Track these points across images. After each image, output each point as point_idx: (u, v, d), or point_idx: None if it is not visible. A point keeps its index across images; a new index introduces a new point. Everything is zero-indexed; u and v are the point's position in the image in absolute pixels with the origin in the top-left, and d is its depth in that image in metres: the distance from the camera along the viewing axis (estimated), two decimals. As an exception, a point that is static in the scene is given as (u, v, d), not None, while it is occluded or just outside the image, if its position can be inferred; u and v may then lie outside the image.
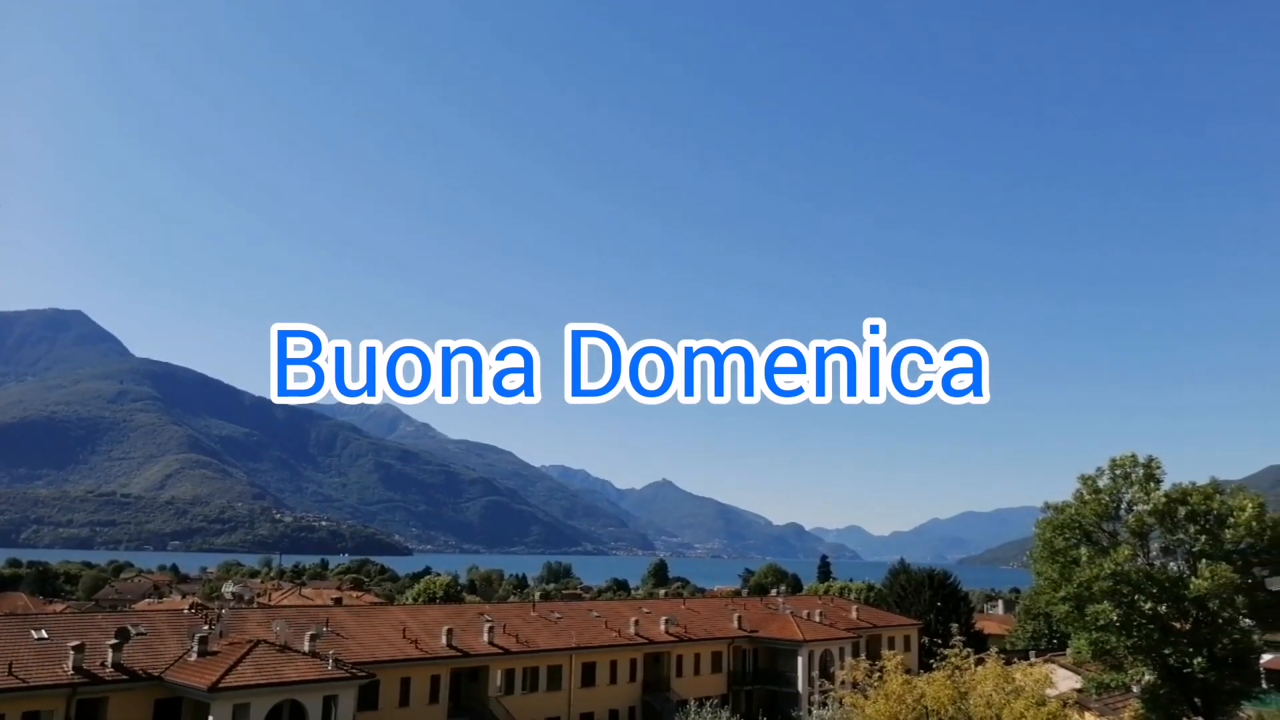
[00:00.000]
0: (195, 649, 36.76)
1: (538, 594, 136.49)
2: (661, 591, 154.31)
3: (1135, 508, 38.20)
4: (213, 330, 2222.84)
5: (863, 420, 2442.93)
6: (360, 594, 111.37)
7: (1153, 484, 38.01)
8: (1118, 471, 38.71)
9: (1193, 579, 35.40)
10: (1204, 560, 35.74)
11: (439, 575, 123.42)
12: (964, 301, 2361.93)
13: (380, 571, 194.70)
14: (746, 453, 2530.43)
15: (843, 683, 26.31)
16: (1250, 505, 36.18)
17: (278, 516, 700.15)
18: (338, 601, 78.15)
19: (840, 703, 25.38)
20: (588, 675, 53.08)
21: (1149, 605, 35.98)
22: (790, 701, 59.33)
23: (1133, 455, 38.91)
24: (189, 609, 48.49)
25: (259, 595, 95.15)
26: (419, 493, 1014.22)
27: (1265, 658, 49.56)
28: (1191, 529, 36.57)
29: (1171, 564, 38.04)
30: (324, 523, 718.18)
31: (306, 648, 38.37)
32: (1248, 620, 36.13)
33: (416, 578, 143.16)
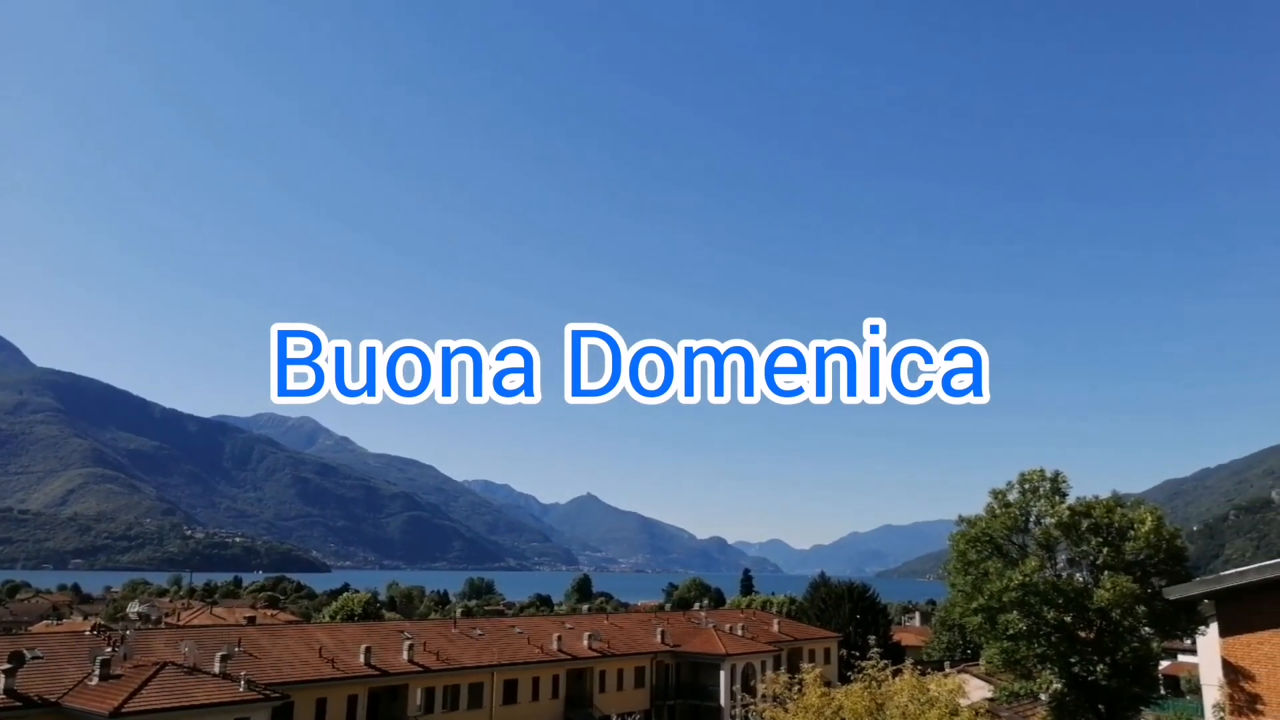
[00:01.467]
0: (96, 672, 35.19)
1: (459, 611, 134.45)
2: (585, 607, 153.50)
3: (1043, 521, 39.54)
4: (122, 339, 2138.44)
5: (783, 435, 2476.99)
6: (275, 612, 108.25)
7: (1059, 498, 39.42)
8: (1026, 486, 40.02)
9: (1096, 590, 36.76)
10: (1106, 571, 37.20)
11: (358, 592, 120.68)
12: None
13: (297, 589, 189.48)
14: (670, 466, 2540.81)
15: (763, 696, 26.60)
16: (1149, 518, 37.81)
17: (188, 533, 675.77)
18: (251, 620, 75.83)
19: (761, 716, 25.68)
20: (510, 692, 52.55)
21: (1055, 615, 37.25)
22: (712, 716, 59.67)
23: (1041, 470, 40.28)
24: (90, 630, 46.53)
25: (167, 615, 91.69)
26: (338, 508, 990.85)
27: (1163, 664, 51.78)
28: (1094, 541, 37.99)
29: (1077, 575, 39.45)
30: (238, 539, 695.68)
31: (217, 669, 37.15)
32: (1147, 629, 37.64)
33: (334, 595, 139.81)
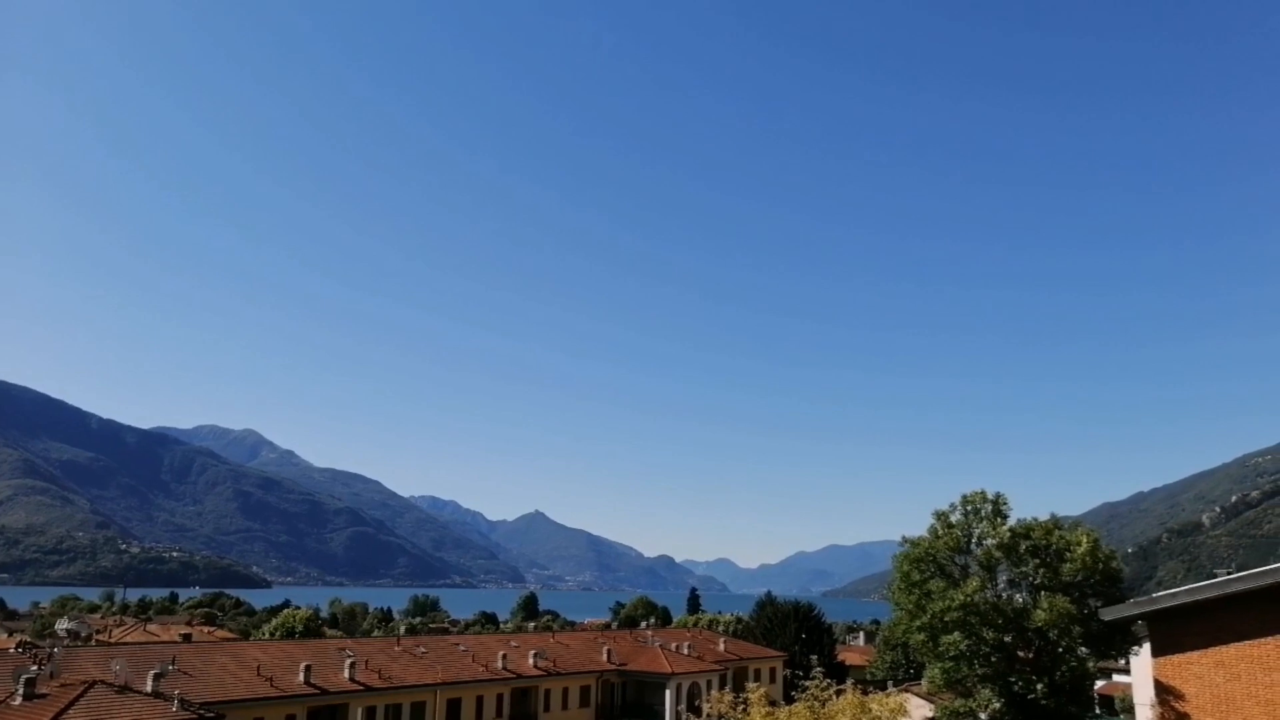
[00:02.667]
0: (20, 692, 33.88)
1: (403, 628, 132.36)
2: (531, 625, 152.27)
3: (984, 542, 40.32)
4: (56, 347, 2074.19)
5: (731, 454, 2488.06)
6: (212, 629, 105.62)
7: (1000, 519, 40.27)
8: (969, 507, 40.81)
9: (1035, 610, 37.53)
10: (1044, 592, 38.04)
11: (299, 609, 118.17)
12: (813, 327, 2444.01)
13: (235, 605, 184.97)
14: (619, 485, 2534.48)
15: (708, 715, 26.66)
16: (1085, 540, 38.78)
17: (123, 547, 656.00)
18: (187, 638, 73.95)
19: (705, 735, 25.71)
20: (453, 711, 51.82)
21: (995, 636, 37.93)
22: (657, 735, 59.44)
23: (982, 492, 41.12)
24: (15, 648, 44.96)
25: (98, 632, 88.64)
26: (280, 522, 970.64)
27: (1098, 684, 52.88)
28: (1033, 562, 38.84)
29: (1017, 595, 40.26)
30: (175, 553, 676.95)
31: (149, 688, 36.07)
32: (1083, 649, 38.50)
33: (274, 611, 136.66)
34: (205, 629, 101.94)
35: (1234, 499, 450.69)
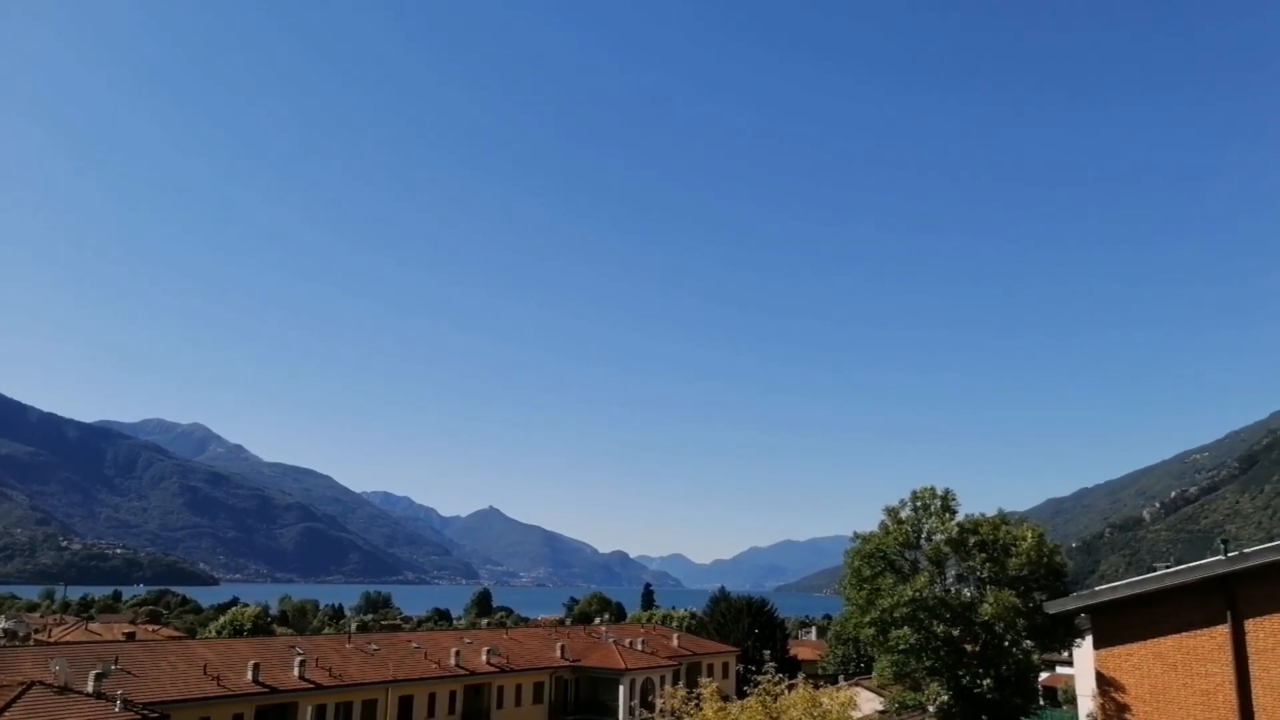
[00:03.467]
0: (-44, 693, 33.06)
1: (354, 625, 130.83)
2: (484, 621, 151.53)
3: (933, 537, 40.94)
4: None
5: (684, 450, 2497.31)
6: (157, 627, 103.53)
7: (948, 515, 40.90)
8: (918, 503, 41.39)
9: (981, 604, 38.25)
10: (991, 586, 38.77)
11: (247, 606, 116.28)
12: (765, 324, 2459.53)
13: (181, 603, 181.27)
14: (573, 481, 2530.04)
15: (661, 711, 26.76)
16: (1031, 535, 39.58)
17: (64, 544, 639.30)
18: (130, 636, 72.42)
19: (658, 730, 25.83)
20: (405, 709, 51.44)
21: (944, 629, 38.58)
22: (611, 730, 59.56)
23: (932, 488, 41.74)
24: (-49, 648, 43.65)
25: (37, 631, 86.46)
26: (228, 518, 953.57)
27: (1042, 676, 54.01)
28: (980, 557, 39.53)
29: (965, 590, 40.96)
30: (119, 550, 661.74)
31: (90, 688, 35.30)
32: (1028, 642, 39.30)
33: (222, 609, 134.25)
34: (150, 627, 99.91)
35: (1173, 494, 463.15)
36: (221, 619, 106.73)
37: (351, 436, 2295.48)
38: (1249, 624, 20.97)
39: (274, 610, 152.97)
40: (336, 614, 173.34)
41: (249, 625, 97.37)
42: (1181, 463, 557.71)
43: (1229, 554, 23.43)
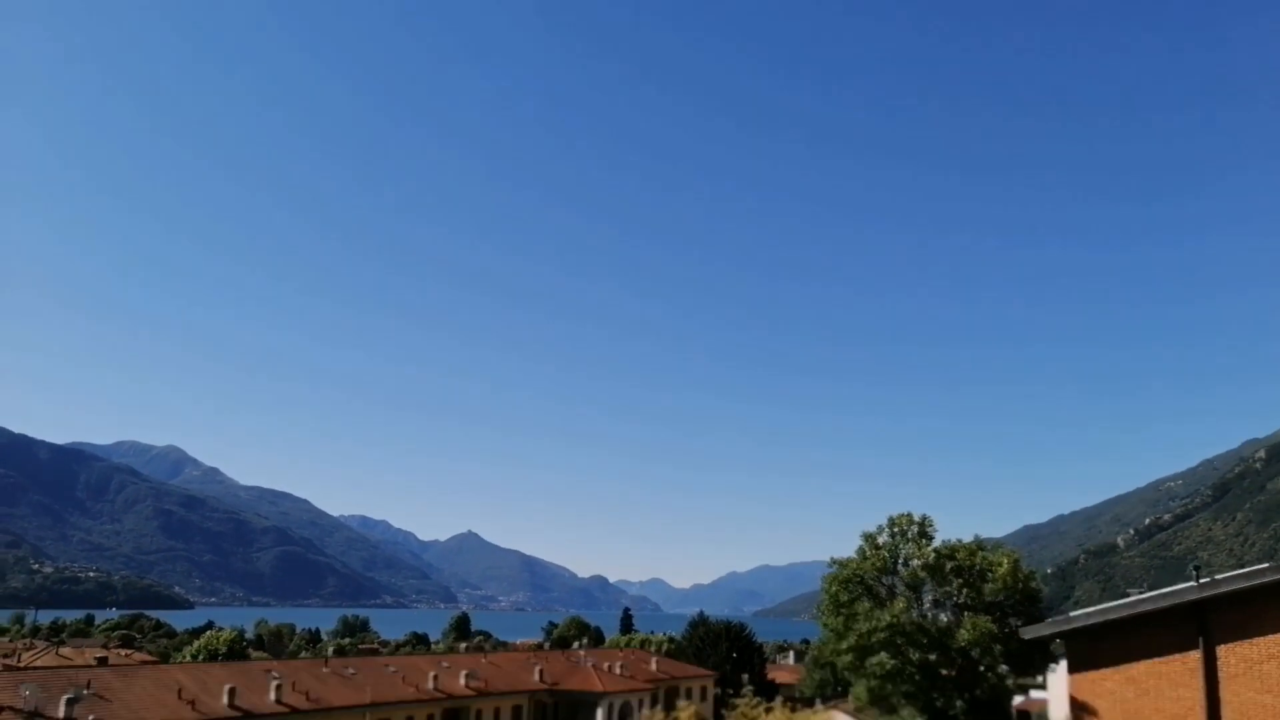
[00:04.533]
0: (-75, 718, 32.72)
1: (331, 649, 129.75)
2: (463, 645, 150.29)
3: (910, 563, 41.34)
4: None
5: (664, 474, 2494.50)
6: (130, 652, 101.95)
7: (925, 541, 41.35)
8: (895, 529, 41.82)
9: (958, 630, 38.61)
10: (967, 612, 39.17)
11: (223, 630, 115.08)
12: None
13: (155, 627, 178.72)
14: (553, 504, 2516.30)
15: (639, 734, 26.90)
16: (1006, 561, 40.07)
17: (35, 567, 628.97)
18: (103, 661, 71.19)
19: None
20: (381, 734, 51.11)
21: (920, 655, 38.87)
22: (589, 755, 59.30)
23: (909, 514, 42.21)
24: (-80, 672, 43.08)
25: (6, 656, 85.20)
26: (204, 541, 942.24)
27: (1016, 700, 54.31)
28: (957, 583, 39.96)
29: (941, 615, 41.32)
30: (92, 574, 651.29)
31: (61, 714, 35.02)
32: (1004, 667, 39.67)
33: (197, 633, 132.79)
34: (123, 652, 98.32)
35: (1147, 521, 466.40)
36: (196, 643, 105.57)
37: (329, 459, 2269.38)
38: (1220, 650, 21.36)
39: (250, 634, 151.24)
40: (313, 638, 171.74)
41: (224, 649, 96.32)
42: (1156, 490, 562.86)
43: (1201, 581, 23.96)
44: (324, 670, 54.19)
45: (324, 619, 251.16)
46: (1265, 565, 23.92)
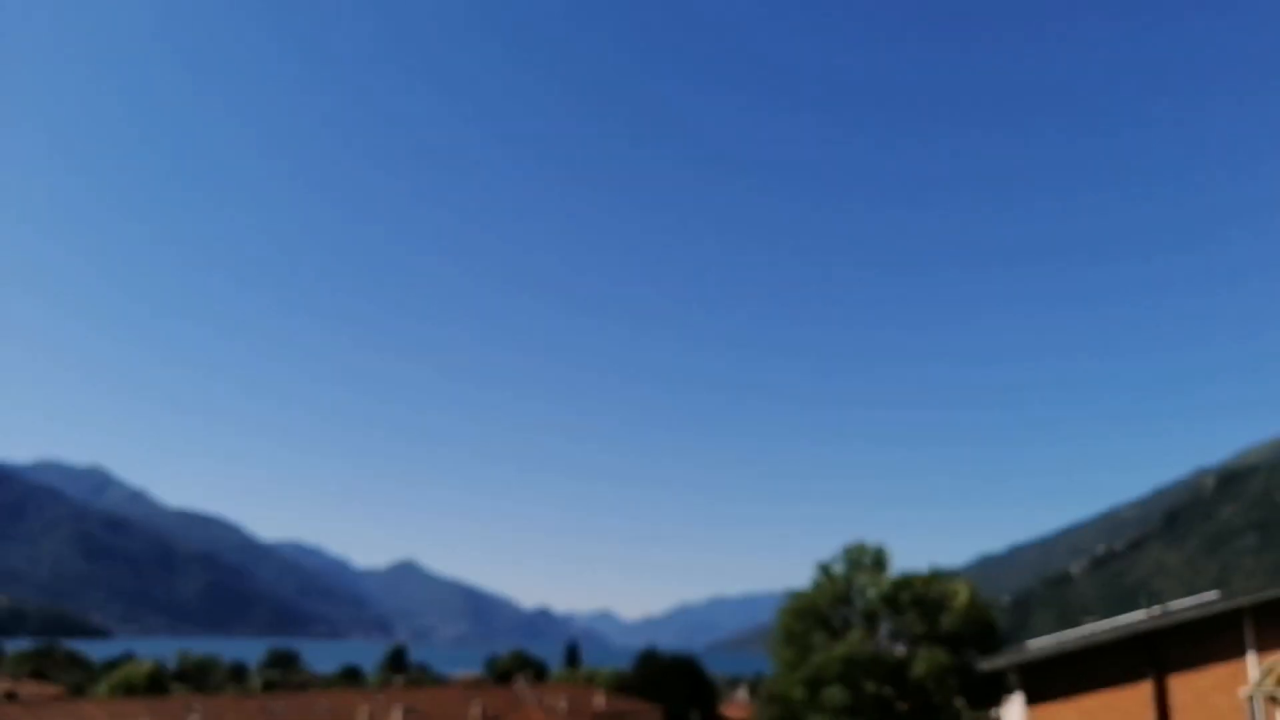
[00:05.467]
0: None
1: (259, 682, 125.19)
2: (399, 679, 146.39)
3: (866, 594, 40.76)
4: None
5: (614, 503, 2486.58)
6: (41, 685, 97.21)
7: (881, 571, 40.82)
8: (851, 559, 41.28)
9: (914, 662, 37.97)
10: (923, 644, 38.56)
11: (142, 662, 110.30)
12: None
13: (70, 657, 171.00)
14: (497, 533, 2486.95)
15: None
16: (963, 592, 39.67)
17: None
18: (11, 696, 67.51)
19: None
20: (310, 773, 48.58)
21: (875, 688, 38.11)
22: (529, 794, 57.24)
23: (864, 544, 41.66)
24: None
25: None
26: (126, 567, 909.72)
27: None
28: (913, 614, 39.41)
29: (897, 647, 40.70)
30: (2, 600, 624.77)
31: (-39, 753, 32.26)
32: (960, 700, 39.11)
33: (114, 665, 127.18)
34: (33, 684, 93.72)
35: (1101, 550, 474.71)
36: (113, 675, 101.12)
37: (263, 482, 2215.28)
38: (1170, 680, 21.14)
39: (172, 666, 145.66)
40: (240, 671, 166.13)
41: (144, 682, 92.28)
42: (1109, 519, 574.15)
43: (1152, 611, 23.70)
44: (250, 705, 51.58)
45: (252, 650, 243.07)
46: (1214, 595, 23.78)
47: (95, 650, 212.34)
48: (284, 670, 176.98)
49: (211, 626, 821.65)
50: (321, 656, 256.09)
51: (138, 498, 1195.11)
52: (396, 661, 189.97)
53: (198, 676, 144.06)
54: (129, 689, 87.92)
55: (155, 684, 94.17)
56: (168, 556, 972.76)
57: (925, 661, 37.25)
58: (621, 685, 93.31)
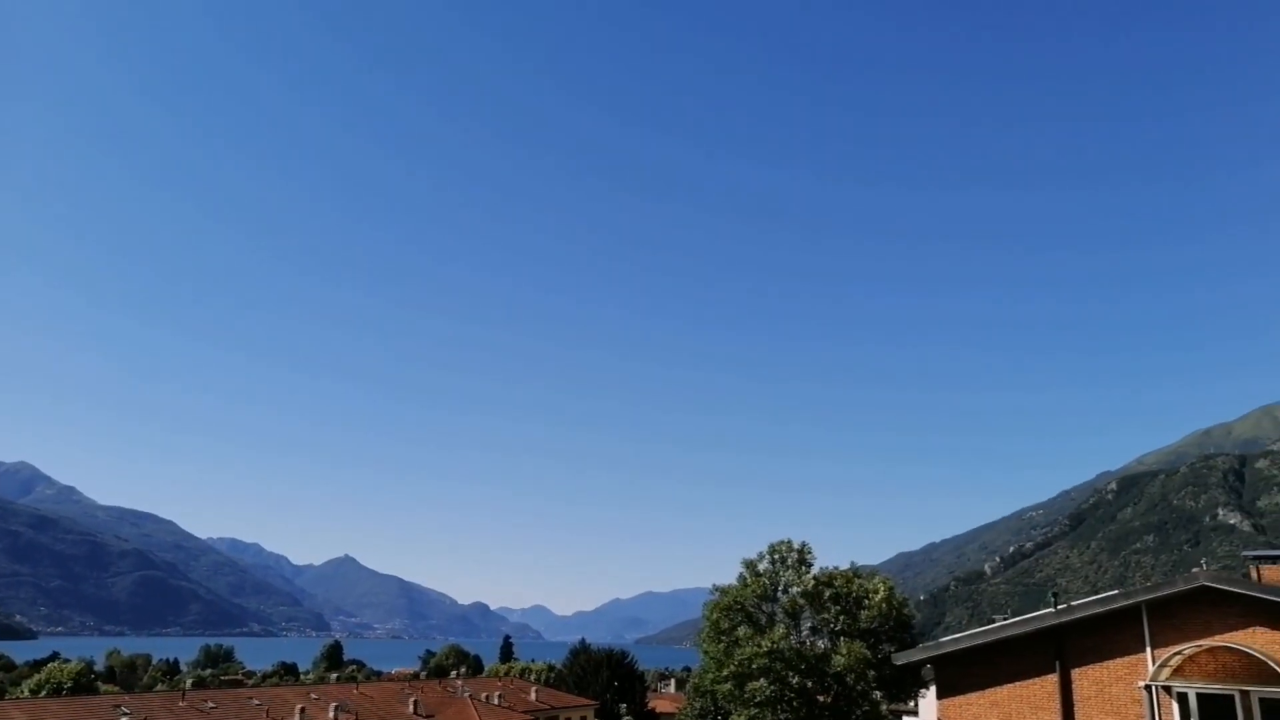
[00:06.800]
0: None
1: (190, 681, 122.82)
2: (334, 675, 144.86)
3: (790, 590, 41.91)
4: None
5: (547, 500, 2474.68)
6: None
7: (804, 568, 42.02)
8: (776, 556, 42.37)
9: (834, 656, 39.25)
10: (844, 638, 39.89)
11: (68, 662, 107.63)
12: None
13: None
14: (434, 529, 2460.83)
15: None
16: (882, 588, 41.07)
17: None
18: (-72, 697, 65.59)
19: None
20: (241, 772, 48.38)
21: (799, 681, 39.33)
22: (463, 790, 57.60)
23: (789, 541, 42.83)
24: None
25: None
26: (53, 565, 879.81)
27: (889, 725, 55.58)
28: (834, 609, 40.69)
29: (819, 642, 41.96)
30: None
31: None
32: (877, 692, 40.52)
33: (39, 665, 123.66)
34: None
35: (1011, 549, 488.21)
36: (37, 676, 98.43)
37: (198, 479, 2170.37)
38: (1074, 673, 22.53)
39: (100, 666, 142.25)
40: (171, 669, 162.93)
41: (69, 683, 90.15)
42: (1019, 519, 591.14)
43: (1058, 607, 25.12)
44: (180, 704, 50.98)
45: (184, 649, 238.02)
46: (1115, 592, 25.40)
47: (19, 652, 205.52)
48: (217, 668, 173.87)
49: (142, 625, 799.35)
50: (256, 654, 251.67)
51: (67, 495, 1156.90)
52: (332, 658, 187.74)
53: (127, 676, 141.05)
54: (54, 689, 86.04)
55: (82, 684, 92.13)
56: (98, 554, 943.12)
57: (845, 655, 38.42)
58: (554, 679, 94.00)
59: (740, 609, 41.23)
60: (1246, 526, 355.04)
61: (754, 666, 38.81)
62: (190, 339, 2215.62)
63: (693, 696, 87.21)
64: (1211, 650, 20.47)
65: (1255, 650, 19.71)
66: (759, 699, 38.97)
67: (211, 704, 52.46)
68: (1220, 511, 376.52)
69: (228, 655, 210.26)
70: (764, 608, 41.91)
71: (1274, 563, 21.35)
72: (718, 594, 42.11)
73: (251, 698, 57.68)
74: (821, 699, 40.32)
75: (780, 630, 39.47)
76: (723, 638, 40.84)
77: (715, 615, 41.33)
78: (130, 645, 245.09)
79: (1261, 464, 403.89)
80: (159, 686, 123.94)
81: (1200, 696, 20.45)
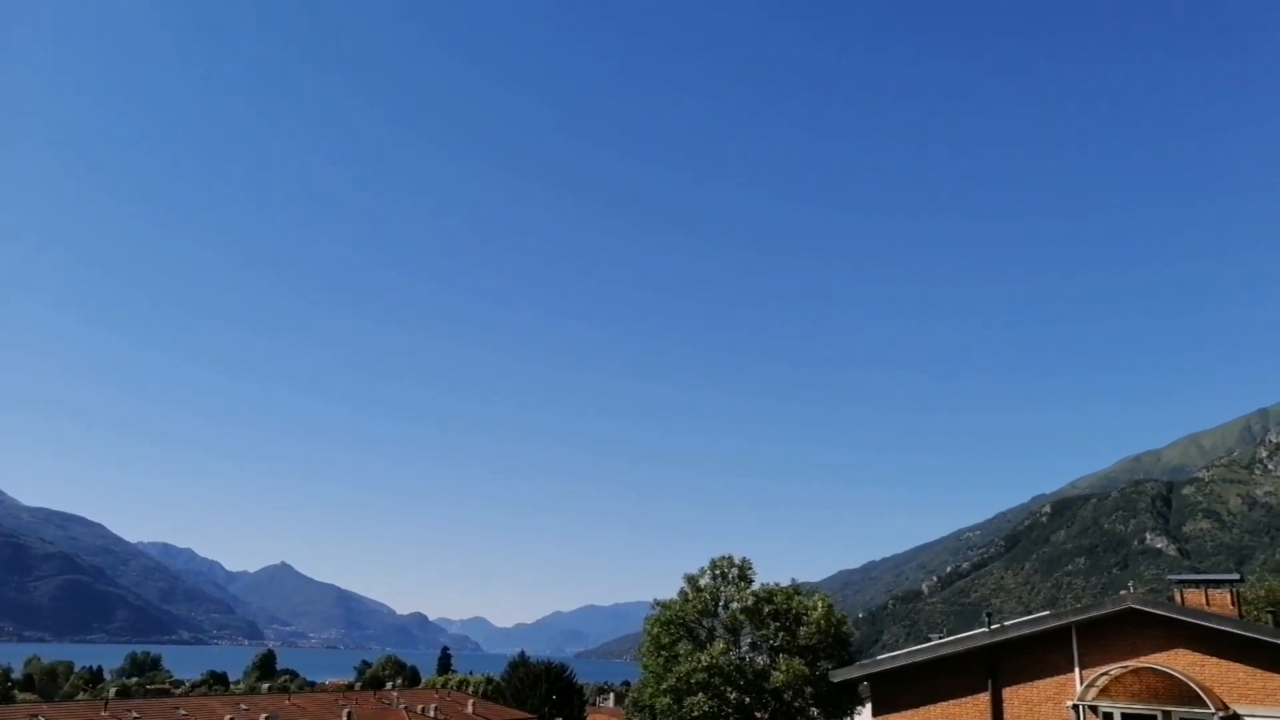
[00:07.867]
0: None
1: (113, 690, 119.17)
2: (266, 685, 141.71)
3: (730, 605, 42.14)
4: None
5: (489, 510, 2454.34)
6: None
7: (745, 584, 42.31)
8: (717, 571, 42.63)
9: (773, 672, 39.50)
10: (783, 655, 40.18)
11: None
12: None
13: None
14: (372, 538, 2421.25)
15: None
16: (821, 605, 41.49)
17: None
18: None
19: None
20: (164, 784, 46.96)
21: (737, 696, 39.49)
22: (395, 804, 56.63)
23: (730, 557, 43.10)
24: None
25: None
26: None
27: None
28: (774, 626, 40.99)
29: (758, 657, 42.21)
30: None
31: None
32: (815, 709, 40.85)
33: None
34: None
35: (948, 569, 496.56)
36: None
37: (130, 482, 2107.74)
38: (1005, 692, 23.02)
39: (18, 674, 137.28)
40: (94, 677, 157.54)
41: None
42: (956, 540, 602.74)
43: (992, 627, 25.64)
44: (103, 714, 49.33)
45: (110, 656, 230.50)
46: (1046, 613, 26.05)
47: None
48: (143, 677, 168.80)
49: (66, 631, 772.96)
50: (185, 663, 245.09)
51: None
52: (264, 667, 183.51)
53: (46, 684, 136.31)
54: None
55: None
56: (20, 557, 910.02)
57: (784, 671, 38.73)
58: (492, 692, 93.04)
59: (681, 623, 41.37)
60: (1173, 551, 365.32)
61: (693, 681, 38.93)
62: (123, 339, 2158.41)
63: (631, 711, 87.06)
64: (1137, 671, 21.06)
65: (1177, 672, 20.34)
66: (697, 714, 39.06)
67: (135, 714, 50.88)
68: (1148, 536, 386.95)
69: (155, 663, 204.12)
70: (704, 623, 42.09)
71: (1197, 587, 22.07)
72: (659, 608, 42.18)
73: (178, 707, 56.08)
74: (759, 715, 40.54)
75: (720, 645, 39.67)
76: (663, 652, 40.90)
77: (656, 630, 41.39)
78: (52, 652, 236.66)
79: (1187, 490, 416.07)
80: (81, 695, 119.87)
81: (1125, 716, 21.01)
